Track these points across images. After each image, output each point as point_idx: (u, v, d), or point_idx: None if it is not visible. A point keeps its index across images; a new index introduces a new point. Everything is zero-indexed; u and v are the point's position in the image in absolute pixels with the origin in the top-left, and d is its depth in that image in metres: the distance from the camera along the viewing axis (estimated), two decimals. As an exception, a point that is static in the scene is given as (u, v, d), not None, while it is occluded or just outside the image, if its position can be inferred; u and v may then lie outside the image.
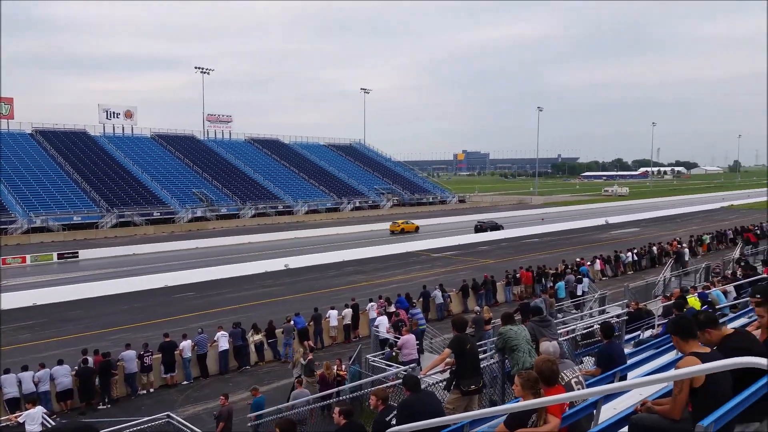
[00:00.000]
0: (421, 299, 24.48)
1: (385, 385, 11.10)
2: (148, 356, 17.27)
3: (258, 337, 19.73)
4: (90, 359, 16.27)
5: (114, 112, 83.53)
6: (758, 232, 44.02)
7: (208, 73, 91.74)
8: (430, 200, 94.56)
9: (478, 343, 11.92)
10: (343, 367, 15.13)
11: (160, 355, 17.64)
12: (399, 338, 15.63)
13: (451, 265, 37.73)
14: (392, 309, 21.24)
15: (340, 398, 11.90)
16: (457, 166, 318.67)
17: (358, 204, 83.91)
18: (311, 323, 21.26)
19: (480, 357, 8.95)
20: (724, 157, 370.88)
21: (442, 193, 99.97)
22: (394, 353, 15.17)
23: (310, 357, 16.87)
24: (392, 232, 58.15)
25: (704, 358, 3.87)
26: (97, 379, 16.15)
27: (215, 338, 18.76)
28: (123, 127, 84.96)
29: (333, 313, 22.00)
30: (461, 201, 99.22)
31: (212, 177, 78.76)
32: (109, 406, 16.15)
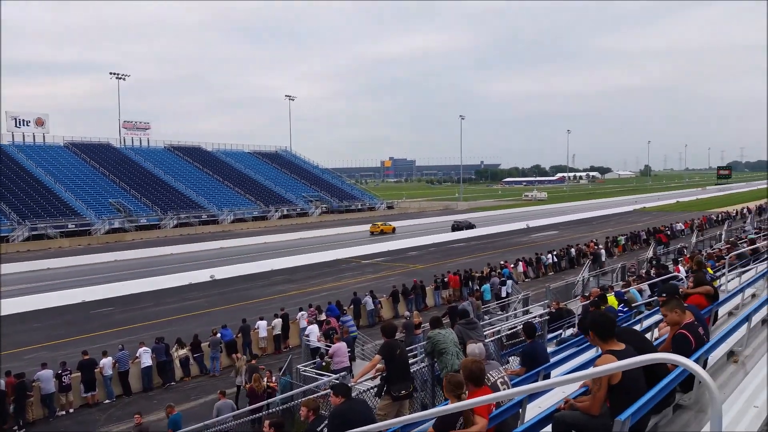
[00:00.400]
0: (351, 306, 24.51)
1: (316, 394, 11.05)
2: (66, 375, 16.38)
3: (183, 352, 19.13)
4: (2, 381, 15.26)
5: (24, 120, 78.97)
6: (669, 232, 46.91)
7: (124, 79, 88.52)
8: (359, 207, 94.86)
9: (408, 348, 12.09)
10: (274, 378, 14.93)
11: (80, 374, 16.77)
12: (330, 346, 15.60)
13: (381, 271, 37.97)
14: (323, 317, 21.15)
15: (271, 410, 11.74)
16: (385, 173, 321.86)
17: (286, 212, 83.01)
18: (239, 335, 20.84)
19: (410, 361, 9.09)
20: (635, 162, 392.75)
21: (370, 200, 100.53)
22: (324, 363, 15.12)
23: (254, 361, 16.58)
24: (372, 233, 62.30)
25: (620, 355, 4.08)
26: (11, 403, 15.17)
27: (137, 354, 18.05)
28: (34, 136, 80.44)
29: (262, 323, 21.64)
30: (390, 207, 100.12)
31: (130, 186, 75.76)
32: (24, 430, 15.21)
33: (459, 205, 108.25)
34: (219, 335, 19.88)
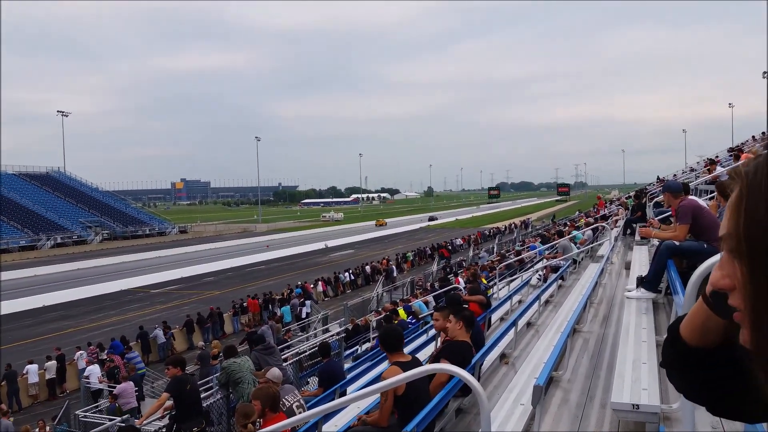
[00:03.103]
0: (139, 341, 22.68)
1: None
2: None
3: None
4: None
5: None
6: (450, 247, 51.28)
7: None
8: (147, 232, 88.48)
9: (205, 380, 11.51)
10: (48, 428, 13.19)
11: None
12: (115, 387, 14.29)
13: (174, 300, 35.75)
14: (105, 356, 19.30)
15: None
16: (177, 195, 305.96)
17: (60, 240, 74.25)
18: (3, 383, 18.19)
19: (204, 395, 8.65)
20: (420, 183, 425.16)
21: (160, 225, 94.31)
22: (117, 405, 13.77)
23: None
24: (377, 226, 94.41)
25: (405, 366, 4.29)
26: None
27: None
28: None
29: (32, 368, 19.14)
30: (183, 231, 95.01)
31: None
32: None
33: (258, 227, 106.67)
34: (-26, 387, 17.11)
